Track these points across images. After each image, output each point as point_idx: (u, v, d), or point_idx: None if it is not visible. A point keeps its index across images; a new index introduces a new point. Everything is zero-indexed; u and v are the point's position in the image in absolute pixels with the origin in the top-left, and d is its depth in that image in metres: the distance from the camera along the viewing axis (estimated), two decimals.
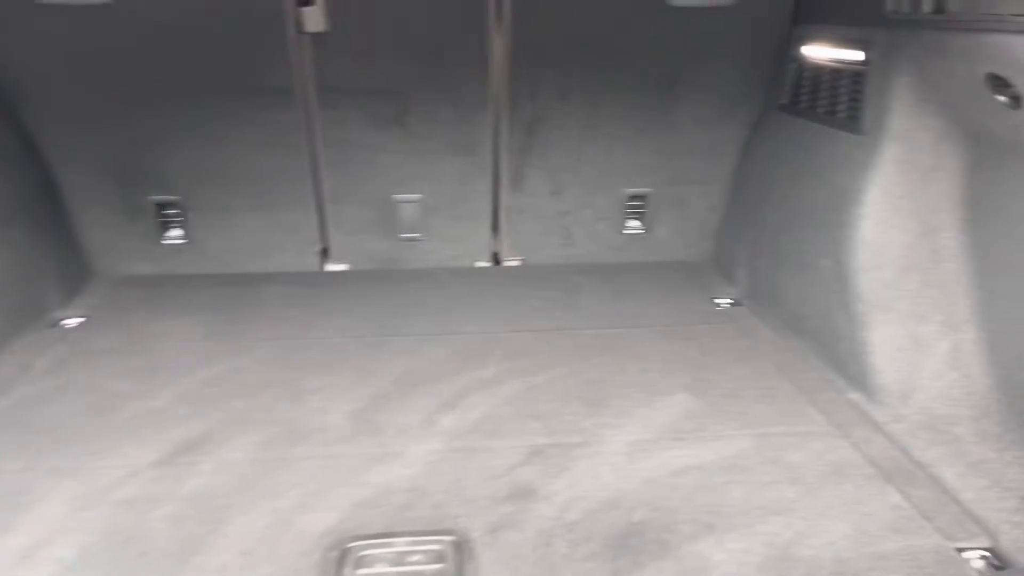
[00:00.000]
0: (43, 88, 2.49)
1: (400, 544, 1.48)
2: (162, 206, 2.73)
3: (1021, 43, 1.59)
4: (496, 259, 2.97)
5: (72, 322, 2.47)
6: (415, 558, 1.45)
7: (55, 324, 2.45)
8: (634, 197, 2.92)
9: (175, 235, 2.79)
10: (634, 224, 2.97)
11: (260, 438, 1.84)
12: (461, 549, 1.47)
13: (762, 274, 2.62)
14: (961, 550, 1.50)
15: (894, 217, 2.05)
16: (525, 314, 2.54)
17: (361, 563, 1.44)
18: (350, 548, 1.47)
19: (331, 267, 2.91)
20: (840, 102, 2.28)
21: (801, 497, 1.65)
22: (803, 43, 2.48)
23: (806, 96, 2.48)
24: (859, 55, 2.17)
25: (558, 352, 2.28)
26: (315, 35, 2.48)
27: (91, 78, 2.48)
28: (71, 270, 2.67)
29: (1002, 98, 1.71)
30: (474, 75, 2.60)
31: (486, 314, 2.54)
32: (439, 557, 1.45)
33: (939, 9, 1.82)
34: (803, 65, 2.50)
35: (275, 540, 1.50)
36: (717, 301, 2.69)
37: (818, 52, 2.40)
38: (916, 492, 1.66)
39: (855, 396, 2.03)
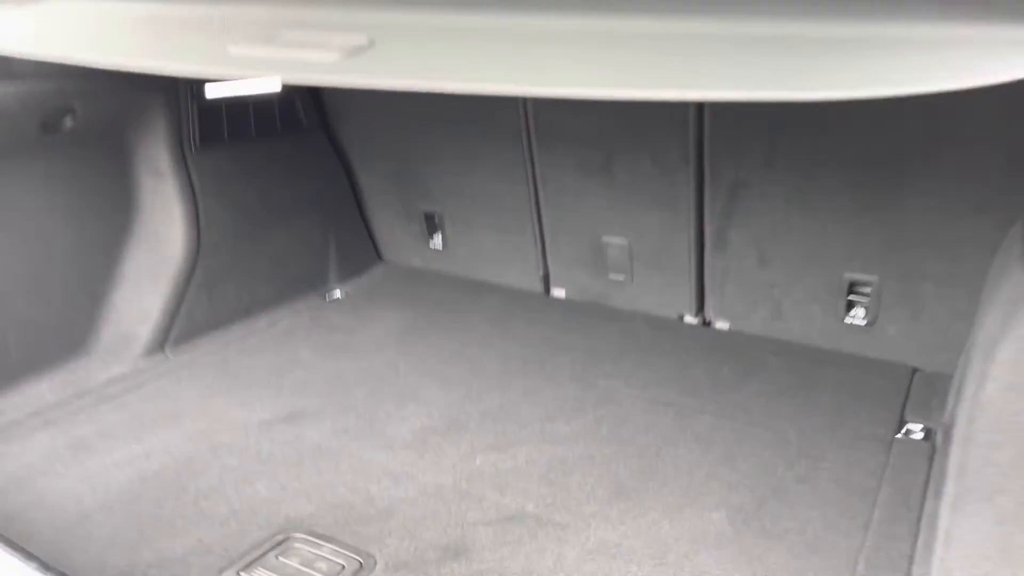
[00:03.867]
0: (355, 114, 3.19)
1: (324, 550, 1.75)
2: (428, 216, 3.27)
3: None
4: (704, 319, 2.86)
5: (337, 296, 3.16)
6: (320, 564, 1.71)
7: (324, 296, 3.16)
8: (856, 283, 2.54)
9: (437, 239, 3.31)
10: (857, 314, 2.58)
11: (339, 427, 2.24)
12: (357, 573, 1.69)
13: (962, 404, 2.12)
14: None
15: None
16: (661, 382, 2.47)
17: (287, 552, 1.75)
18: (292, 537, 1.79)
19: (555, 292, 3.14)
20: None
21: None
22: None
23: None
24: None
25: (650, 428, 2.22)
26: None
27: (385, 111, 3.10)
28: (355, 254, 3.36)
29: None
30: (673, 133, 2.55)
31: (627, 372, 2.53)
32: (334, 571, 1.69)
33: None
34: None
35: (265, 509, 1.89)
36: (910, 427, 2.25)
37: None
38: None
39: None
